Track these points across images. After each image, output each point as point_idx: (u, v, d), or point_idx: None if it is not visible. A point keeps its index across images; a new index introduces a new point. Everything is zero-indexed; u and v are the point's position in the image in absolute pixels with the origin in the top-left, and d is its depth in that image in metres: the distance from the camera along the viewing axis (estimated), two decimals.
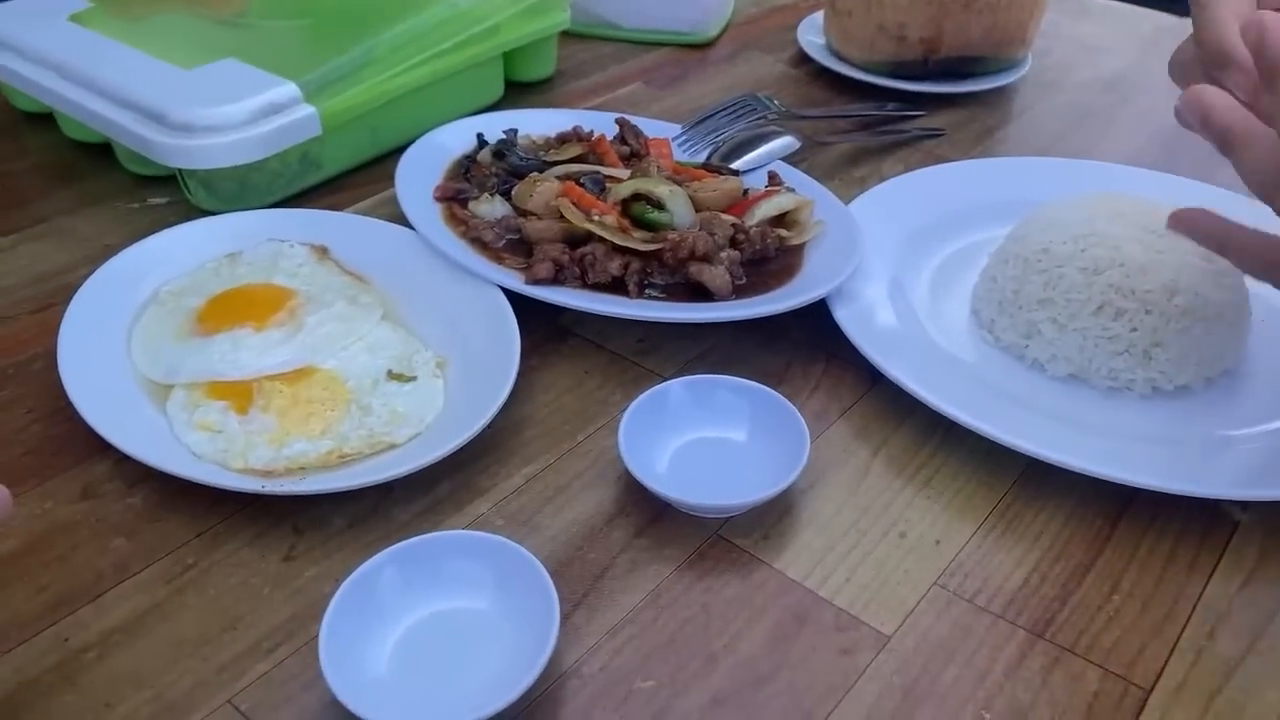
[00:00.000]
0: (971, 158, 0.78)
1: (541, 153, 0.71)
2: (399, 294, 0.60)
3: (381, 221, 0.65)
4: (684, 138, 0.74)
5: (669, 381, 0.50)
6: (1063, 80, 0.94)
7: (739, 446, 0.50)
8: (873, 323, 0.56)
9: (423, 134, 0.72)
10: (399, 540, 0.42)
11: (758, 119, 0.77)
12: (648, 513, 0.47)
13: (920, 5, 0.83)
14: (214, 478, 0.46)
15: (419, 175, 0.68)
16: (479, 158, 0.70)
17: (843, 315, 0.56)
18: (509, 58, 0.84)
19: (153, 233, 0.61)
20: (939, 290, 0.61)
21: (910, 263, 0.63)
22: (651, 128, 0.74)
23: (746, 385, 0.50)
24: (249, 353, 0.53)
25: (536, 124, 0.75)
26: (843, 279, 0.57)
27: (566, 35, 0.97)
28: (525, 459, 0.50)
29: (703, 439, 0.50)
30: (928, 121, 0.84)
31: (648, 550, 0.45)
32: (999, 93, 0.89)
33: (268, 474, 0.46)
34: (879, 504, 0.48)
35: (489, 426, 0.49)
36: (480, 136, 0.72)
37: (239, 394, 0.51)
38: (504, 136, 0.71)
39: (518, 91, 0.86)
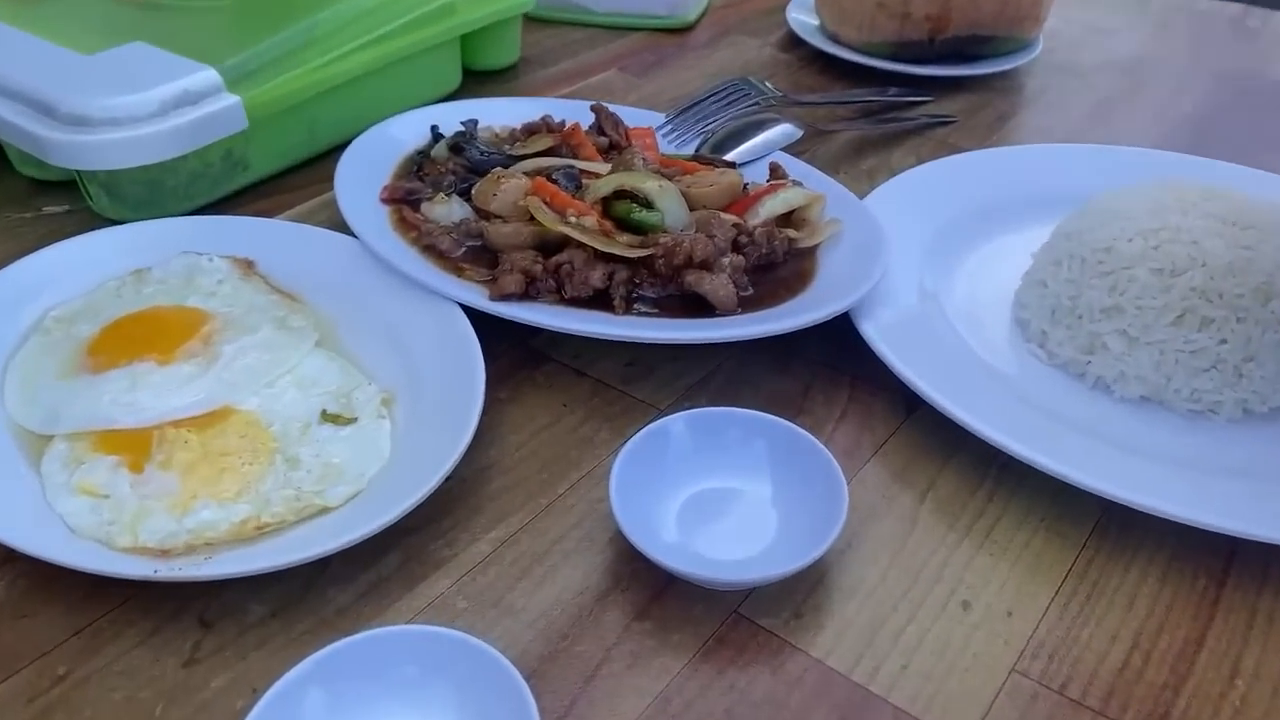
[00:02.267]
0: (987, 146, 0.70)
1: (506, 146, 0.61)
2: (338, 315, 0.50)
3: (318, 229, 0.55)
4: (669, 128, 0.65)
5: (667, 417, 0.41)
6: (1075, 63, 0.86)
7: (759, 498, 0.40)
8: (905, 338, 0.47)
9: (369, 128, 0.63)
10: (332, 636, 0.32)
11: (751, 105, 0.68)
12: (649, 587, 0.38)
13: None
14: (92, 561, 0.36)
15: (364, 174, 0.58)
16: (433, 153, 0.61)
17: (870, 330, 0.47)
18: (467, 43, 0.74)
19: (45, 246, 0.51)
20: (974, 298, 0.53)
21: (938, 267, 0.54)
22: (632, 117, 0.65)
23: (763, 419, 0.41)
24: (149, 392, 0.43)
25: (500, 114, 0.65)
26: (868, 288, 0.48)
27: (531, 20, 0.88)
28: (493, 519, 0.40)
29: (713, 490, 0.40)
30: (935, 108, 0.76)
31: (651, 637, 0.36)
32: (1009, 77, 0.81)
33: (164, 553, 0.36)
34: (932, 565, 0.39)
35: (447, 480, 0.39)
36: (435, 129, 0.63)
37: (134, 446, 0.41)
38: (462, 128, 0.62)
39: (477, 81, 0.77)
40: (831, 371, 0.49)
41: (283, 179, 0.64)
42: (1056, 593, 0.38)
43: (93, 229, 0.54)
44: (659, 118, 0.67)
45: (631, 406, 0.46)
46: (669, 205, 0.51)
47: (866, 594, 0.38)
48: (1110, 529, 0.41)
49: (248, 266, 0.52)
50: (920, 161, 0.65)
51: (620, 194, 0.52)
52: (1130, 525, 0.40)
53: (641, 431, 0.40)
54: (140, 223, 0.55)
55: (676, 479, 0.40)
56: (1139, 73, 0.85)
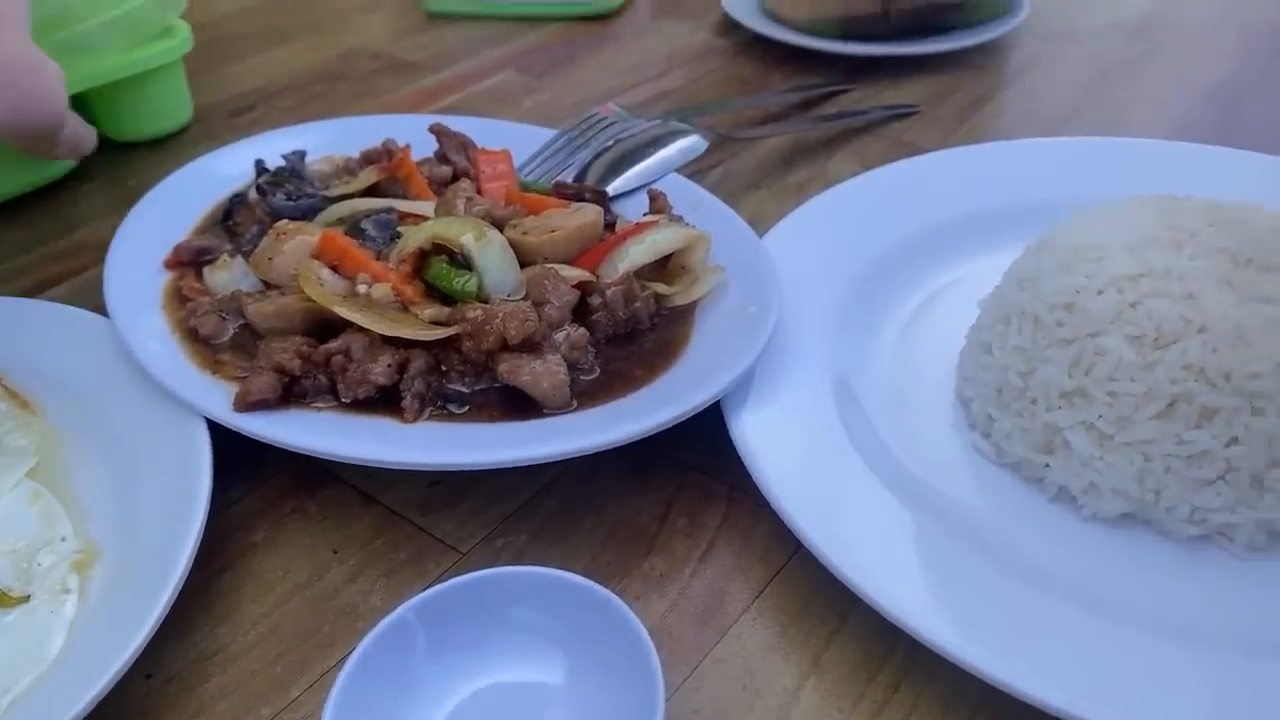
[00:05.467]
0: (955, 144, 0.56)
1: (335, 183, 0.50)
2: (75, 427, 0.39)
3: (76, 310, 0.43)
4: (558, 146, 0.53)
5: (404, 606, 0.28)
6: (1072, 28, 0.72)
7: (549, 699, 0.28)
8: (793, 439, 0.35)
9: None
10: None
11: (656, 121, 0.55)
12: None
13: None
14: None
15: (167, 226, 0.47)
16: (250, 196, 0.49)
17: (743, 430, 0.34)
18: (101, 103, 0.57)
19: None
20: (910, 364, 0.40)
21: (863, 318, 0.41)
22: (511, 136, 0.52)
23: (553, 580, 0.29)
24: None
25: (358, 137, 0.53)
26: (737, 374, 0.35)
27: (434, 18, 0.76)
28: None
29: (491, 689, 0.29)
30: (894, 95, 0.62)
31: None
32: (986, 51, 0.68)
33: None
34: None
35: (148, 679, 0.28)
36: (259, 164, 0.51)
37: None
38: (284, 163, 0.50)
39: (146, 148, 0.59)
40: (704, 480, 0.36)
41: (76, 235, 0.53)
42: None
43: None
44: (547, 134, 0.54)
45: (423, 550, 0.35)
46: (490, 263, 0.39)
47: None
48: None
49: None
50: (866, 168, 0.52)
51: (440, 249, 0.40)
52: None
53: (378, 628, 0.28)
54: None
55: (437, 684, 0.28)
56: (1152, 35, 0.70)
